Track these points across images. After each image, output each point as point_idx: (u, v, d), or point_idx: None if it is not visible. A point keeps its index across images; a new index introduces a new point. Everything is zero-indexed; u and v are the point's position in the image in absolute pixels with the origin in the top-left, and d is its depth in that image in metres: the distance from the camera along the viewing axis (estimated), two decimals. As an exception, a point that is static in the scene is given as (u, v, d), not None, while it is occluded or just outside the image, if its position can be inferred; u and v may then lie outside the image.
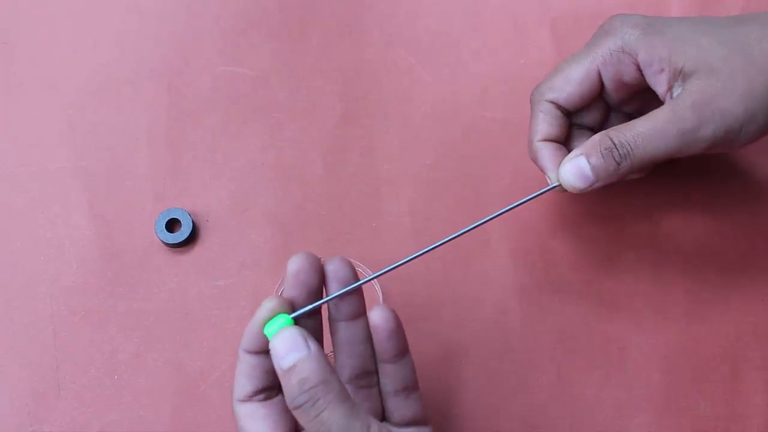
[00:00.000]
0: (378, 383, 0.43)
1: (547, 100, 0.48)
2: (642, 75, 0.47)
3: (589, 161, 0.46)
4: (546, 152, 0.48)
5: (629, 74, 0.47)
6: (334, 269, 0.42)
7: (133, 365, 0.50)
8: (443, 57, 0.58)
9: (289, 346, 0.38)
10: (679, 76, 0.46)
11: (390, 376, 0.42)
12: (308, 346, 0.38)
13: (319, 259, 0.42)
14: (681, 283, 0.54)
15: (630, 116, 0.50)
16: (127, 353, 0.51)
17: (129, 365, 0.50)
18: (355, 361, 0.42)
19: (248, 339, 0.40)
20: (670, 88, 0.46)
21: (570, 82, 0.48)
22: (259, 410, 0.40)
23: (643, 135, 0.45)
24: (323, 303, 0.42)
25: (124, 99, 0.56)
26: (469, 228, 0.45)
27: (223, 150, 0.55)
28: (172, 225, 0.53)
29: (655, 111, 0.46)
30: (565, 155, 0.47)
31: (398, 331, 0.42)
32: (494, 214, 0.46)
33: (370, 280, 0.44)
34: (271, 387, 0.41)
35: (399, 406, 0.42)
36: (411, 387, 0.43)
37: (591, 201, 0.55)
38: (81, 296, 0.51)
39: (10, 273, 0.52)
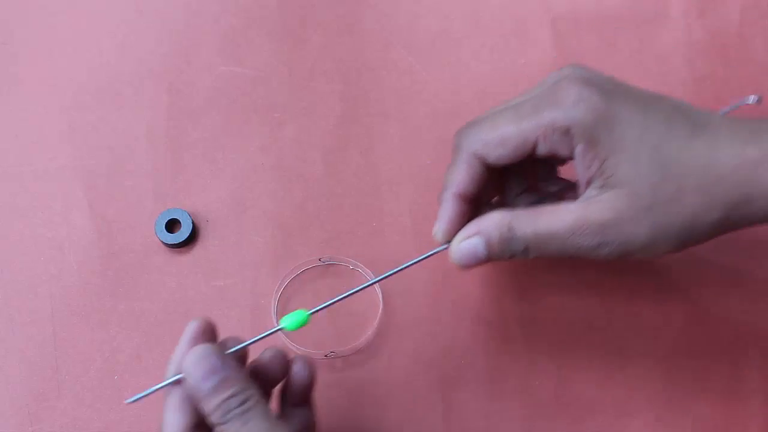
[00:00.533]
0: None
1: (475, 153, 0.44)
2: (572, 155, 0.43)
3: (485, 244, 0.43)
4: (453, 209, 0.45)
5: (563, 151, 0.43)
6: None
7: (134, 365, 0.50)
8: (443, 57, 0.58)
9: (209, 370, 0.39)
10: (602, 179, 0.42)
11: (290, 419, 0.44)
12: (227, 365, 0.39)
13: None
14: (681, 283, 0.54)
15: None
16: (127, 353, 0.51)
17: (129, 365, 0.50)
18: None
19: (177, 367, 0.40)
20: (589, 183, 0.42)
21: (505, 145, 0.43)
22: None
23: (544, 236, 0.42)
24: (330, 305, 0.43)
25: (124, 99, 0.56)
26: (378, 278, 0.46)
27: (223, 150, 0.55)
28: (172, 225, 0.53)
29: (563, 210, 0.42)
30: (470, 215, 0.45)
31: (312, 384, 0.44)
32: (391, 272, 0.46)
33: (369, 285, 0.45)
34: (202, 424, 0.40)
35: None
36: None
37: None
38: (81, 296, 0.51)
39: (10, 273, 0.52)
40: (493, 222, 0.43)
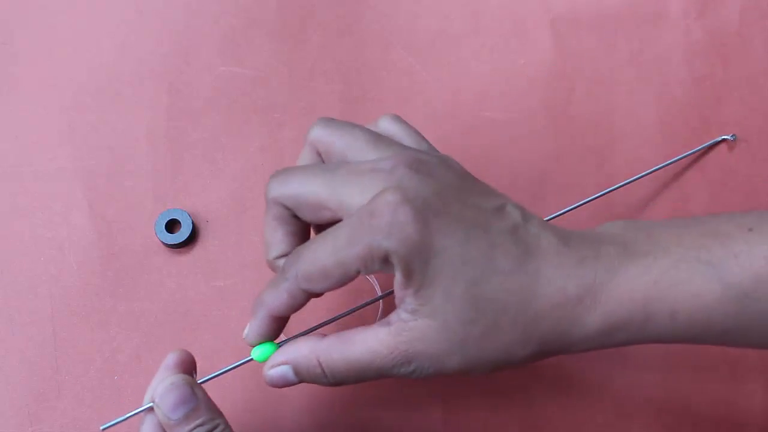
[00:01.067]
0: None
1: (299, 286, 0.41)
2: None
3: (294, 373, 0.42)
4: (266, 326, 0.42)
5: (387, 271, 0.39)
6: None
7: (134, 366, 0.50)
8: (443, 57, 0.58)
9: (180, 401, 0.40)
10: (416, 305, 0.39)
11: None
12: (196, 395, 0.40)
13: None
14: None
15: None
16: (127, 354, 0.51)
17: (129, 366, 0.50)
18: None
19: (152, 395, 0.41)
20: (401, 301, 0.39)
21: (328, 279, 0.40)
22: None
23: (356, 369, 0.40)
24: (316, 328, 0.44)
25: (124, 99, 0.56)
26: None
27: (223, 150, 0.55)
28: (171, 225, 0.53)
29: (374, 340, 0.40)
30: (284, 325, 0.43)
31: None
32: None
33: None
34: None
35: None
36: None
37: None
38: (81, 296, 0.51)
39: (10, 273, 0.52)
40: (300, 354, 0.41)
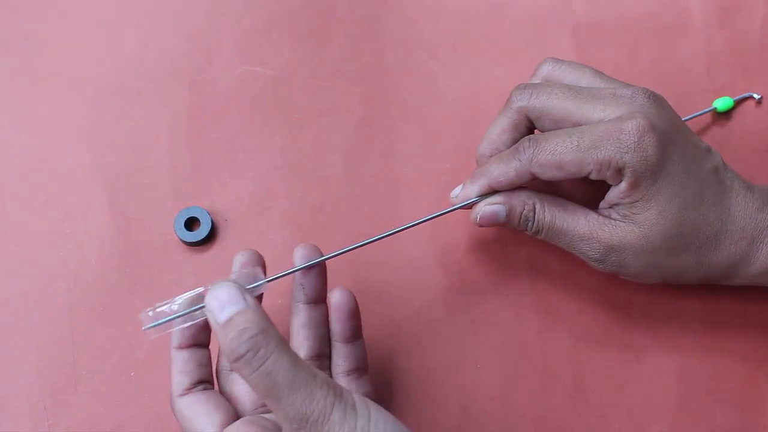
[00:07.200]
0: (330, 367, 0.46)
1: (531, 170, 0.47)
2: (615, 183, 0.47)
3: (507, 214, 0.48)
4: (481, 191, 0.49)
5: (609, 181, 0.46)
6: (304, 254, 0.46)
7: (150, 362, 0.50)
8: (464, 61, 0.58)
9: (226, 301, 0.38)
10: (627, 211, 0.46)
11: (344, 356, 0.45)
12: (245, 299, 0.38)
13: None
14: (697, 290, 0.54)
15: None
16: (144, 350, 0.51)
17: (146, 362, 0.50)
18: (312, 343, 0.45)
19: (177, 336, 0.44)
20: (613, 206, 0.47)
21: (561, 170, 0.46)
22: (198, 397, 0.42)
23: (556, 230, 0.48)
24: (290, 273, 0.46)
25: (146, 96, 0.56)
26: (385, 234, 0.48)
27: (244, 149, 0.55)
28: (191, 223, 0.53)
29: (582, 217, 0.47)
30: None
31: (356, 311, 0.45)
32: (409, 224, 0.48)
33: (328, 258, 0.46)
34: (206, 380, 0.44)
35: (351, 386, 0.45)
36: (362, 368, 0.46)
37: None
38: (99, 292, 0.52)
39: (28, 268, 0.52)
40: (520, 199, 0.48)
